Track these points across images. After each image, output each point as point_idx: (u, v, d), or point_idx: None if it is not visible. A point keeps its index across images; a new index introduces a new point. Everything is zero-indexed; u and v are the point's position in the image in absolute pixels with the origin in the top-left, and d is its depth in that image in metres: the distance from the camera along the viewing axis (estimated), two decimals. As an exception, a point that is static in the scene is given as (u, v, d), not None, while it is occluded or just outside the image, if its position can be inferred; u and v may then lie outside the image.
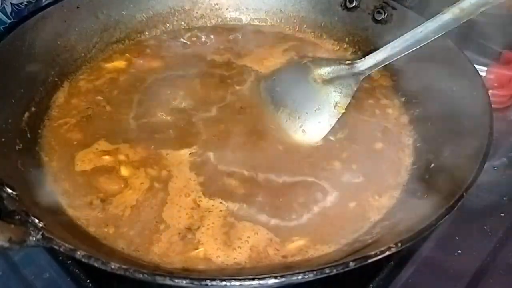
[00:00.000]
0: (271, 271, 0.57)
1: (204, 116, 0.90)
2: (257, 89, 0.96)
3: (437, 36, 0.83)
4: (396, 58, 0.89)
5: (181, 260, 0.69)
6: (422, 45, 0.85)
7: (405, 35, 0.86)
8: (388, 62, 0.90)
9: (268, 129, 0.89)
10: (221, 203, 0.76)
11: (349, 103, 0.90)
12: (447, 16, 0.83)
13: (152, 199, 0.76)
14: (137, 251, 0.70)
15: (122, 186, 0.78)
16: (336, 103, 0.89)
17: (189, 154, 0.83)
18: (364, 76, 0.92)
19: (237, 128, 0.88)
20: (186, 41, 1.09)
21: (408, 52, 0.86)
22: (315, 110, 0.88)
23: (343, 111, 0.89)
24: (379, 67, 0.91)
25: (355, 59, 0.93)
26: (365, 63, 0.91)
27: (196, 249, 0.70)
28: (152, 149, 0.83)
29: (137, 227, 0.73)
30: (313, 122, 0.88)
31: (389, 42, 0.88)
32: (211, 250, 0.70)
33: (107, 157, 0.83)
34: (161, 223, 0.73)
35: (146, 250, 0.70)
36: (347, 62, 0.93)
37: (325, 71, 0.91)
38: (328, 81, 0.91)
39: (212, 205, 0.75)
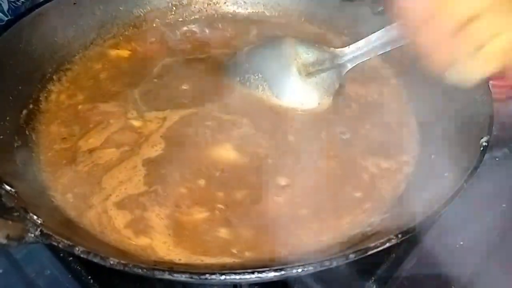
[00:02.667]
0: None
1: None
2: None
3: None
4: (388, 49, 0.87)
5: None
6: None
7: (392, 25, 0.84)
8: (379, 53, 0.89)
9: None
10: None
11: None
12: None
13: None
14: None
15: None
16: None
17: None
18: (348, 69, 0.92)
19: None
20: (183, 34, 1.10)
21: (403, 43, 0.84)
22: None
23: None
24: (367, 59, 0.90)
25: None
26: (350, 51, 0.91)
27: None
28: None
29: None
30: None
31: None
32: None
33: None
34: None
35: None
36: (331, 49, 0.93)
37: (307, 61, 0.90)
38: (310, 75, 0.90)
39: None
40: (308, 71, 0.90)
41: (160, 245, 0.69)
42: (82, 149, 0.82)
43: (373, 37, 0.88)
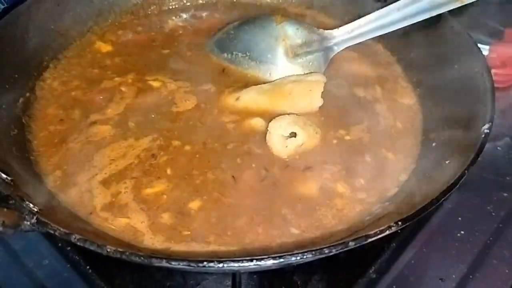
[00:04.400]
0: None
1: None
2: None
3: (426, 17, 0.82)
4: (378, 34, 0.87)
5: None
6: (411, 22, 0.83)
7: (387, 7, 0.85)
8: (366, 39, 0.89)
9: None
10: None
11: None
12: None
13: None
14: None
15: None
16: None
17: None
18: (335, 53, 0.92)
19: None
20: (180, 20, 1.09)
21: (394, 29, 0.85)
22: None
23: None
24: (356, 43, 0.90)
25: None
26: (339, 34, 0.91)
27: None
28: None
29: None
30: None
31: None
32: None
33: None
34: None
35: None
36: (320, 30, 0.93)
37: (294, 42, 0.91)
38: (297, 56, 0.91)
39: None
40: (296, 53, 0.90)
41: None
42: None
43: (363, 20, 0.88)
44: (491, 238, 0.82)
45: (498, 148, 0.95)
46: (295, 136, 0.79)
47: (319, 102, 0.84)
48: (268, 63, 0.91)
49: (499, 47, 1.05)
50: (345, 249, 0.55)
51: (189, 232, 0.69)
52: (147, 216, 0.71)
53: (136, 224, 0.70)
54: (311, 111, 0.85)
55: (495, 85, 0.79)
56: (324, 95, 0.84)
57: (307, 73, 0.89)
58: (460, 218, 0.84)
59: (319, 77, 0.86)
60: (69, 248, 0.80)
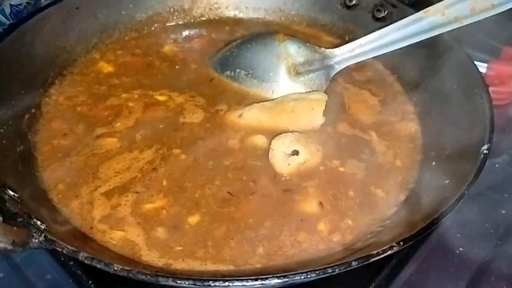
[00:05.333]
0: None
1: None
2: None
3: (426, 37, 0.83)
4: (379, 53, 0.89)
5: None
6: (411, 42, 0.84)
7: (387, 27, 0.86)
8: (367, 58, 0.91)
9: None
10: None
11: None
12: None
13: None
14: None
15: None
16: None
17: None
18: (336, 72, 0.93)
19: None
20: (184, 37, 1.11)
21: (393, 49, 0.86)
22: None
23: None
24: (357, 62, 0.92)
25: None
26: (340, 52, 0.92)
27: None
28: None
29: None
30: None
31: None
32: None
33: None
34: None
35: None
36: (322, 49, 0.94)
37: (297, 61, 0.92)
38: (299, 75, 0.92)
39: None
40: (298, 71, 0.92)
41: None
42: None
43: (364, 40, 0.90)
44: (489, 255, 0.83)
45: (496, 165, 0.96)
46: (297, 154, 0.80)
47: (320, 120, 0.86)
48: (270, 81, 0.93)
49: (497, 65, 1.06)
50: (348, 268, 0.56)
51: (181, 248, 0.70)
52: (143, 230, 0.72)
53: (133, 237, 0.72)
54: (313, 129, 0.86)
55: (494, 102, 0.80)
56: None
57: (309, 92, 0.90)
58: (459, 235, 0.85)
59: (320, 96, 0.87)
60: (71, 262, 0.80)
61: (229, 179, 0.79)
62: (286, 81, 0.92)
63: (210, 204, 0.75)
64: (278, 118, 0.87)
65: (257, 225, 0.73)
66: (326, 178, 0.80)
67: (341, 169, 0.82)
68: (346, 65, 0.93)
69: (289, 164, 0.79)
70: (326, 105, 0.86)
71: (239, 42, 0.98)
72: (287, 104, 0.88)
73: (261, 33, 1.01)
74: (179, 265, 0.68)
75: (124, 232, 0.72)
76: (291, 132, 0.84)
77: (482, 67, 1.04)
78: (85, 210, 0.74)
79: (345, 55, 0.92)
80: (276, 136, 0.82)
